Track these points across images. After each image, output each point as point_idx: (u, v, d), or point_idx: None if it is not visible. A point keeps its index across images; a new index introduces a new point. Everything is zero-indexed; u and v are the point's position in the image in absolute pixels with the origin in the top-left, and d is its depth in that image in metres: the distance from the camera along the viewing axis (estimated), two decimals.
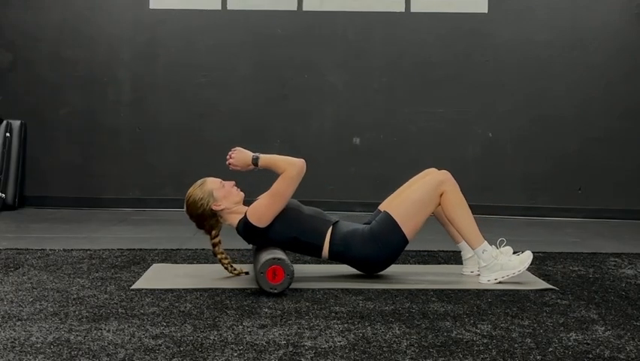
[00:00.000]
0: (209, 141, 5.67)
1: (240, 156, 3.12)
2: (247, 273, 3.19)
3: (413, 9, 5.70)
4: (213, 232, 3.13)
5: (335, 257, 3.13)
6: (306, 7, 5.73)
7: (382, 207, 3.22)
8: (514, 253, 3.18)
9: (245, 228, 3.06)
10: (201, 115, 5.77)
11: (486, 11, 5.68)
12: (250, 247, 3.39)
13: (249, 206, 3.09)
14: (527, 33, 5.67)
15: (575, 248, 4.14)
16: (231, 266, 3.16)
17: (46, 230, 4.68)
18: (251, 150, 3.14)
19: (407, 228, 3.08)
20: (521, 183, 5.71)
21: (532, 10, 5.67)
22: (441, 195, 3.13)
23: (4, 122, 5.69)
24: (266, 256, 2.91)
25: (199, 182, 3.14)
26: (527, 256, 3.14)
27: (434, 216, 3.28)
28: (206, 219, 3.10)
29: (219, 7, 5.73)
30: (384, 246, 3.08)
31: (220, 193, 3.09)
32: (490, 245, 3.13)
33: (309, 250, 3.14)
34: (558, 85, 5.67)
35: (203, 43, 5.76)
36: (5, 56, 5.80)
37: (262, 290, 2.87)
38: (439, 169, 3.28)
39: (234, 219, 3.09)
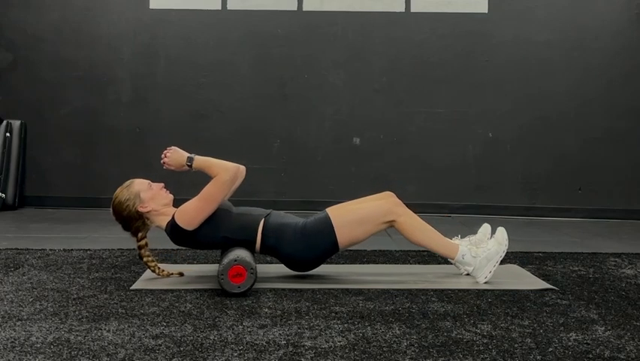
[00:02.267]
0: (210, 140, 5.67)
1: (174, 155, 3.07)
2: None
3: (413, 9, 5.70)
4: (140, 235, 3.09)
5: (266, 251, 3.08)
6: (306, 7, 5.73)
7: (328, 209, 3.16)
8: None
9: (173, 230, 3.01)
10: (201, 115, 5.77)
11: (486, 11, 5.68)
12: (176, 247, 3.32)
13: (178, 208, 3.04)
14: (527, 33, 5.67)
15: (575, 248, 4.14)
16: (158, 268, 3.13)
17: (46, 230, 4.68)
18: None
19: (341, 236, 3.03)
20: (521, 183, 5.71)
21: (532, 10, 5.67)
22: (390, 222, 3.08)
23: (4, 122, 5.69)
24: (219, 282, 2.87)
25: (126, 183, 3.10)
26: (501, 234, 3.14)
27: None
28: (132, 220, 3.06)
29: (219, 7, 5.73)
30: (313, 245, 3.03)
31: (147, 195, 3.04)
32: (463, 238, 3.17)
33: (243, 246, 3.06)
34: (558, 85, 5.67)
35: (203, 44, 5.76)
36: (5, 56, 5.80)
37: (262, 290, 2.88)
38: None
39: (162, 222, 3.05)
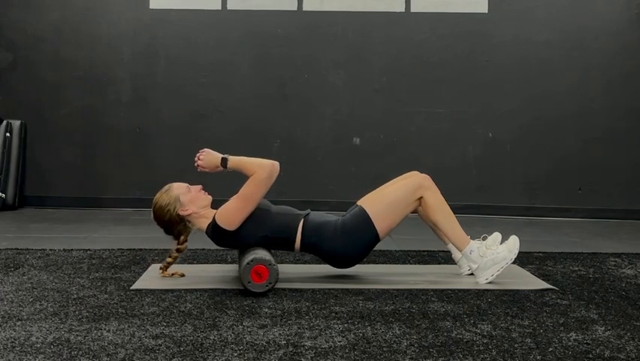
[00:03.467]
0: (210, 140, 5.64)
1: (208, 157, 3.09)
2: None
3: (413, 9, 5.70)
4: (182, 238, 3.12)
5: (307, 249, 3.10)
6: (306, 7, 5.73)
7: (360, 202, 3.18)
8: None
9: (214, 231, 3.02)
10: (201, 115, 5.77)
11: (486, 11, 5.68)
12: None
13: (218, 209, 3.05)
14: (527, 33, 5.67)
15: (575, 248, 4.14)
16: (167, 272, 3.16)
17: (46, 230, 4.68)
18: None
19: (380, 225, 3.06)
20: (521, 183, 5.71)
21: (532, 10, 5.67)
22: (420, 199, 3.12)
23: (4, 122, 5.69)
24: (242, 265, 2.89)
25: (165, 188, 3.12)
26: (514, 242, 3.13)
27: (421, 219, 3.27)
28: (174, 224, 3.09)
29: (219, 7, 5.73)
30: (355, 241, 3.05)
31: (186, 198, 3.06)
32: (475, 239, 3.15)
33: (281, 244, 3.09)
34: (558, 85, 5.67)
35: (203, 44, 5.76)
36: (5, 56, 5.80)
37: (264, 293, 2.88)
38: (422, 172, 3.26)
39: (203, 224, 3.06)
